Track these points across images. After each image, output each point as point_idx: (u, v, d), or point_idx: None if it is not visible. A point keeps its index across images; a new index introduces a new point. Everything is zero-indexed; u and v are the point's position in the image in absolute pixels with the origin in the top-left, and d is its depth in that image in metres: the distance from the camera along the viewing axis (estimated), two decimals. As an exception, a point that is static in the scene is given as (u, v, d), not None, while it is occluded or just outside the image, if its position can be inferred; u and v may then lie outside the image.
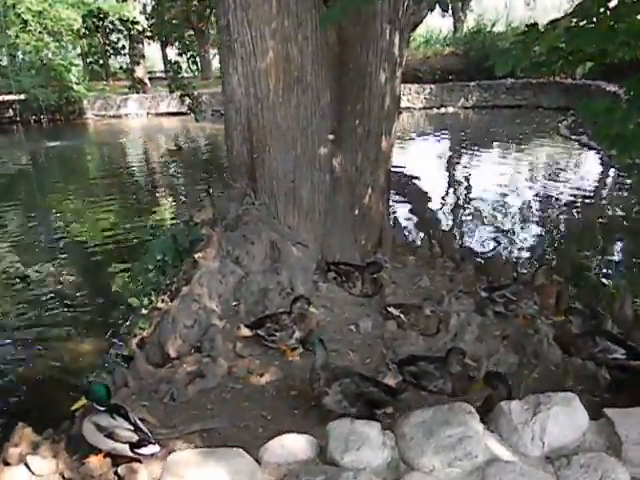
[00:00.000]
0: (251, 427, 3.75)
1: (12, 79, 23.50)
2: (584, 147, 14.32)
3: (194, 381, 4.18)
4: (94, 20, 27.30)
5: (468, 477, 2.38)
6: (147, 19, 26.67)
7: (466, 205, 10.58)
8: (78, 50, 22.32)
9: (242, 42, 5.35)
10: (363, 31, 5.72)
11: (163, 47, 32.21)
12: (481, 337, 4.67)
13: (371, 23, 5.64)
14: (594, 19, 3.83)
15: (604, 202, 10.35)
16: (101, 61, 14.86)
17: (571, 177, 12.02)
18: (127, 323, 5.64)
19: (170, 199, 11.96)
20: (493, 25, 28.54)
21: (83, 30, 26.92)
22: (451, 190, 12.02)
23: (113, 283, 6.88)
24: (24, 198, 12.72)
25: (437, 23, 31.52)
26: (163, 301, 5.36)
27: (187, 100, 13.98)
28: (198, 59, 28.72)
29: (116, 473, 3.31)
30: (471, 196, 11.22)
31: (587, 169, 12.94)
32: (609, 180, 11.93)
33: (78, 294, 6.97)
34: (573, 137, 15.59)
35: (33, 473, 3.24)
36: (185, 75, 18.56)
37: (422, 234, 8.50)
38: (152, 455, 3.32)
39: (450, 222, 9.55)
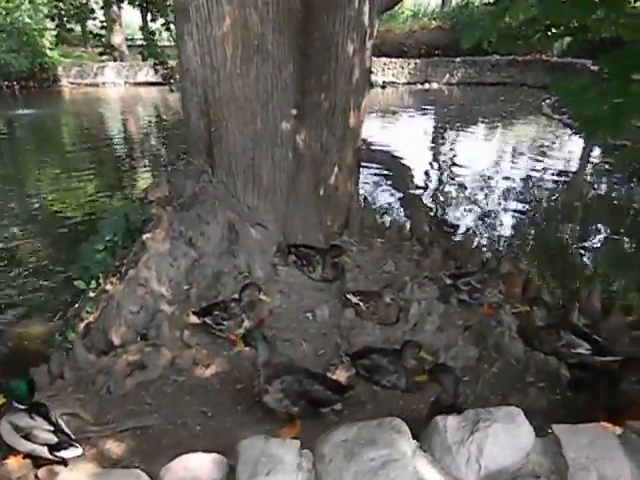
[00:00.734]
0: (189, 425, 3.50)
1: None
2: (567, 127, 14.06)
3: (133, 373, 3.91)
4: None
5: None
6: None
7: (446, 185, 10.30)
8: (46, 12, 21.30)
9: (197, 6, 4.94)
10: (329, -2, 5.34)
11: (144, 14, 31.13)
12: (442, 327, 4.44)
13: (338, -10, 5.27)
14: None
15: (583, 183, 10.15)
16: (70, 25, 14.09)
17: (552, 158, 11.73)
18: (76, 306, 5.31)
19: (147, 173, 11.51)
20: (481, -1, 27.93)
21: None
22: (432, 169, 11.69)
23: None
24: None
25: (427, -5, 30.88)
26: (112, 284, 5.04)
27: (160, 69, 13.35)
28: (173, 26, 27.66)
29: (36, 476, 3.06)
30: (451, 175, 10.94)
31: (569, 149, 12.69)
32: (591, 160, 11.71)
33: (36, 270, 6.64)
34: (556, 117, 15.31)
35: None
36: (166, 44, 17.82)
37: (395, 216, 8.27)
38: (77, 456, 3.06)
39: (430, 201, 9.27)
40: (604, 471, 2.15)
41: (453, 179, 10.58)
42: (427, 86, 24.49)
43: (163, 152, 13.87)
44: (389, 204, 9.15)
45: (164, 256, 4.83)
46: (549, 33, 5.17)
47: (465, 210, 8.81)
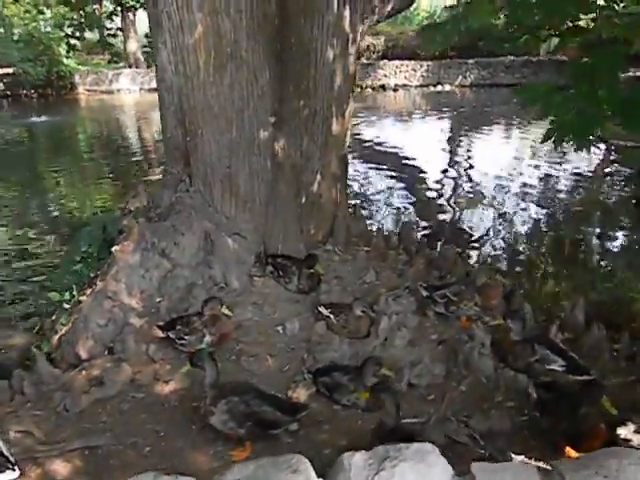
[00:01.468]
0: (139, 445, 3.41)
1: (-1, 52, 22.94)
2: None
3: (91, 389, 3.84)
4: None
5: None
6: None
7: (459, 189, 10.07)
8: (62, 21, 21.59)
9: (168, 13, 4.87)
10: (306, 3, 5.23)
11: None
12: (415, 341, 4.29)
13: (315, -6, 5.15)
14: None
15: (599, 187, 9.83)
16: (83, 34, 14.32)
17: (568, 162, 11.35)
18: (53, 318, 5.27)
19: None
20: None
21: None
22: (445, 173, 11.42)
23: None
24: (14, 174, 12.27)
25: (444, -4, 30.54)
26: (86, 296, 5.00)
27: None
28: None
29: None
30: (464, 180, 10.69)
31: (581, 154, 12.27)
32: (602, 167, 11.34)
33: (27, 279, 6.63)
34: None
35: None
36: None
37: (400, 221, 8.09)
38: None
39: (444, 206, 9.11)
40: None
41: (467, 183, 10.36)
42: (439, 88, 24.24)
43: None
44: (398, 209, 8.98)
45: (135, 268, 4.76)
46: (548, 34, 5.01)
47: (479, 215, 8.62)
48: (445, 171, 11.34)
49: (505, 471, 2.09)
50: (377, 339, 4.28)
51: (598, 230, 8.06)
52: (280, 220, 5.68)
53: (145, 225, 4.99)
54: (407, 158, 12.43)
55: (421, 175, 11.03)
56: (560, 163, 11.29)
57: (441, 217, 8.49)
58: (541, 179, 10.46)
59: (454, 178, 10.89)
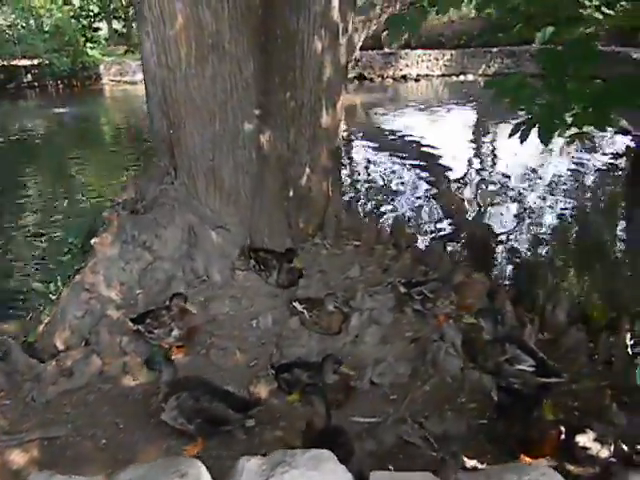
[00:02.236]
0: (97, 436, 3.44)
1: (26, 42, 23.36)
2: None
3: (59, 380, 3.88)
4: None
5: None
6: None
7: (482, 183, 9.86)
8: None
9: (150, 4, 4.84)
10: (291, -7, 5.15)
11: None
12: (387, 339, 4.22)
13: (300, -16, 5.07)
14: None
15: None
16: (96, 24, 14.59)
17: (595, 158, 10.97)
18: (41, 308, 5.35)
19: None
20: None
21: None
22: (467, 165, 11.15)
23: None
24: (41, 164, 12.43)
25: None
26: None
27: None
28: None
29: None
30: (487, 172, 10.47)
31: (618, 146, 11.76)
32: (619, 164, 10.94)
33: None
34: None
35: None
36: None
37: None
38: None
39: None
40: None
41: (491, 176, 10.14)
42: (462, 78, 23.75)
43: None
44: (419, 198, 8.89)
45: (114, 260, 4.80)
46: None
47: (503, 209, 8.44)
48: (468, 163, 11.09)
49: (405, 481, 2.02)
50: (348, 336, 4.22)
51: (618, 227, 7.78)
52: (266, 213, 5.65)
53: (126, 217, 5.01)
54: (428, 149, 12.16)
55: (443, 167, 10.79)
56: (591, 152, 10.92)
57: (463, 211, 8.34)
58: (566, 172, 10.11)
59: (478, 170, 10.67)
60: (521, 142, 3.29)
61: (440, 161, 11.11)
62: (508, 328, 4.34)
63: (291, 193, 5.80)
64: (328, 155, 6.06)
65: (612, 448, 2.98)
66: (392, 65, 24.74)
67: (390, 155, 11.64)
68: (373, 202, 8.78)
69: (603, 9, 5.04)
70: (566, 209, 8.20)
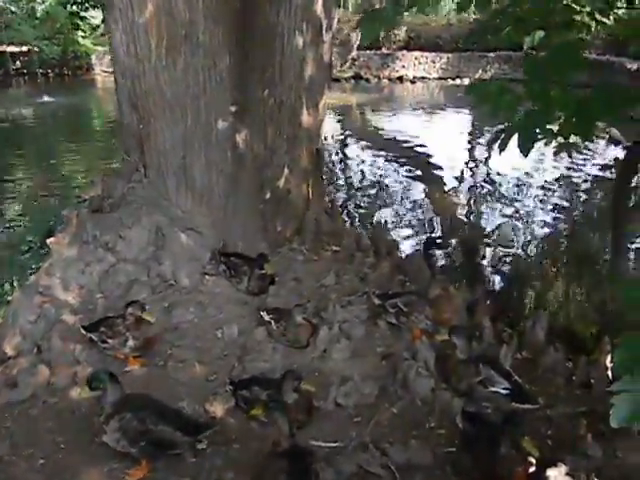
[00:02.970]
0: (34, 456, 3.18)
1: (13, 28, 22.89)
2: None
3: (1, 391, 3.61)
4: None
5: None
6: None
7: (476, 187, 9.67)
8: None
9: (118, -11, 4.58)
10: (271, -15, 4.90)
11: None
12: (358, 354, 3.97)
13: (279, -24, 4.81)
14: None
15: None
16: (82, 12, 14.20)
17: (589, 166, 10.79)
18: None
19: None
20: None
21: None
22: (461, 169, 10.91)
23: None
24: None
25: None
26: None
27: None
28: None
29: None
30: (480, 178, 10.26)
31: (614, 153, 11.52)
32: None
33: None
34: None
35: None
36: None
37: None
38: None
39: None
40: None
41: (484, 181, 9.94)
42: (458, 82, 23.53)
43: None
44: (409, 200, 8.65)
45: (72, 262, 4.52)
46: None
47: (496, 214, 8.26)
48: (462, 168, 10.87)
49: None
50: (315, 350, 3.98)
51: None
52: (241, 216, 5.39)
53: (86, 216, 4.74)
54: (421, 151, 11.92)
55: (436, 168, 10.56)
56: (585, 160, 10.74)
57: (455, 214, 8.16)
58: (558, 180, 9.92)
59: (471, 175, 10.47)
60: (500, 151, 3.07)
61: (433, 163, 10.89)
62: (485, 345, 4.12)
63: (268, 195, 5.54)
64: (309, 156, 5.81)
65: (585, 485, 2.76)
66: (389, 66, 24.54)
67: (383, 156, 11.42)
68: (361, 205, 8.54)
69: (597, 16, 4.83)
70: (550, 219, 8.02)
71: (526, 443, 2.59)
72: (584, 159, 10.83)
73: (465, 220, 8.06)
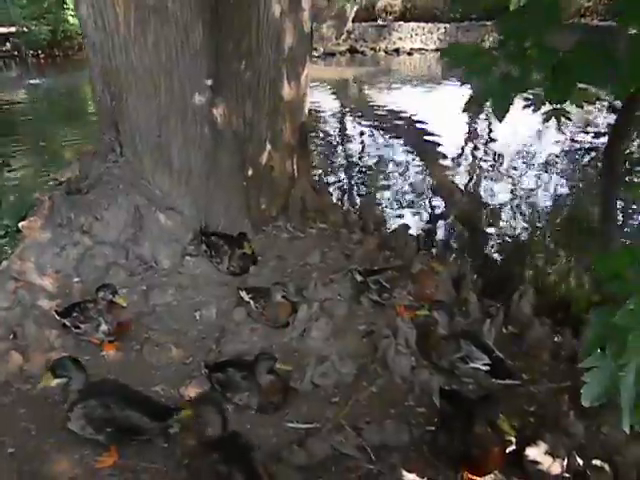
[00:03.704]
0: (5, 444, 3.10)
1: (0, 9, 22.45)
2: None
3: (-27, 379, 3.53)
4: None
5: None
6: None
7: (475, 160, 9.47)
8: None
9: (83, -40, 4.38)
10: (244, -50, 4.68)
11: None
12: (340, 333, 3.87)
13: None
14: None
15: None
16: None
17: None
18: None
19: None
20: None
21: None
22: (461, 143, 10.55)
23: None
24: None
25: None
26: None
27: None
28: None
29: None
30: (481, 151, 10.01)
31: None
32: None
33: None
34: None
35: None
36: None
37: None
38: None
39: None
40: None
41: (485, 155, 9.73)
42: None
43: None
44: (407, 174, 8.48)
45: (46, 245, 4.42)
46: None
47: (496, 187, 8.11)
48: (462, 142, 10.60)
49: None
50: (295, 330, 3.87)
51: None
52: (222, 194, 5.25)
53: (60, 198, 4.61)
54: (420, 125, 11.62)
55: (433, 143, 10.32)
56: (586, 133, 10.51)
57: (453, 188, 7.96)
58: (560, 153, 9.69)
59: (472, 150, 10.20)
60: (472, 116, 2.91)
61: (431, 137, 10.64)
62: (471, 321, 4.02)
63: (250, 172, 5.40)
64: (292, 131, 5.64)
65: (565, 462, 2.66)
66: (385, 38, 24.02)
67: (380, 131, 11.17)
68: (356, 181, 8.35)
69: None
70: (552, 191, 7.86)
71: (502, 422, 2.49)
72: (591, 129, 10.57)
73: (464, 193, 7.88)
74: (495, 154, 9.51)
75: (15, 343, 3.89)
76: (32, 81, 19.12)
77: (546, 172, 8.64)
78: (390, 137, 10.66)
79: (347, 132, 11.52)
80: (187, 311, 4.24)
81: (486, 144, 10.21)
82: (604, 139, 9.80)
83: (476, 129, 11.31)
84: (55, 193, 4.69)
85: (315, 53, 21.81)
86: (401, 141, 10.29)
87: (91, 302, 3.79)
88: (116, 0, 4.38)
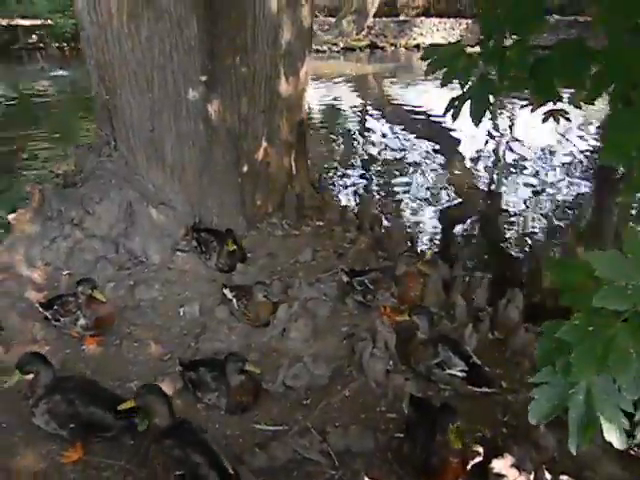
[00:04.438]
0: (-25, 437, 3.11)
1: (27, 2, 22.83)
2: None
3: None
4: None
5: None
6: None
7: (498, 160, 9.35)
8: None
9: (77, -48, 4.38)
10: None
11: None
12: (320, 334, 3.82)
13: None
14: None
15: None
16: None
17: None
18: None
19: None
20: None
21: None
22: (482, 142, 10.44)
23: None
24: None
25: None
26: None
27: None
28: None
29: None
30: (500, 150, 9.92)
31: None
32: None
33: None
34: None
35: None
36: None
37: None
38: None
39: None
40: None
41: (506, 154, 9.58)
42: (477, 49, 22.62)
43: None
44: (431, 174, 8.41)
45: (35, 238, 4.45)
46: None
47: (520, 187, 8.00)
48: (484, 141, 10.43)
49: None
50: (275, 329, 3.83)
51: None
52: (216, 190, 5.22)
53: (51, 191, 4.63)
54: (438, 122, 11.47)
55: (454, 140, 10.18)
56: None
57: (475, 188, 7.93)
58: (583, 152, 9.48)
59: (493, 149, 10.07)
60: (453, 119, 2.84)
61: (451, 134, 10.47)
62: (457, 325, 3.93)
63: (245, 169, 5.35)
64: (290, 128, 5.58)
65: (532, 477, 2.57)
66: (406, 34, 23.74)
67: (400, 128, 11.05)
68: (374, 178, 8.27)
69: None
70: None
71: (451, 434, 2.40)
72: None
73: (484, 192, 7.77)
74: (517, 155, 9.36)
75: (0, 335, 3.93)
76: (56, 73, 19.35)
77: (567, 175, 8.46)
78: (411, 134, 10.54)
79: (367, 128, 11.44)
80: (172, 307, 4.23)
81: (507, 143, 10.06)
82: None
83: (498, 128, 11.19)
84: (46, 186, 4.72)
85: (335, 48, 21.75)
86: (422, 139, 10.15)
87: (72, 296, 3.79)
88: (109, -6, 4.38)
